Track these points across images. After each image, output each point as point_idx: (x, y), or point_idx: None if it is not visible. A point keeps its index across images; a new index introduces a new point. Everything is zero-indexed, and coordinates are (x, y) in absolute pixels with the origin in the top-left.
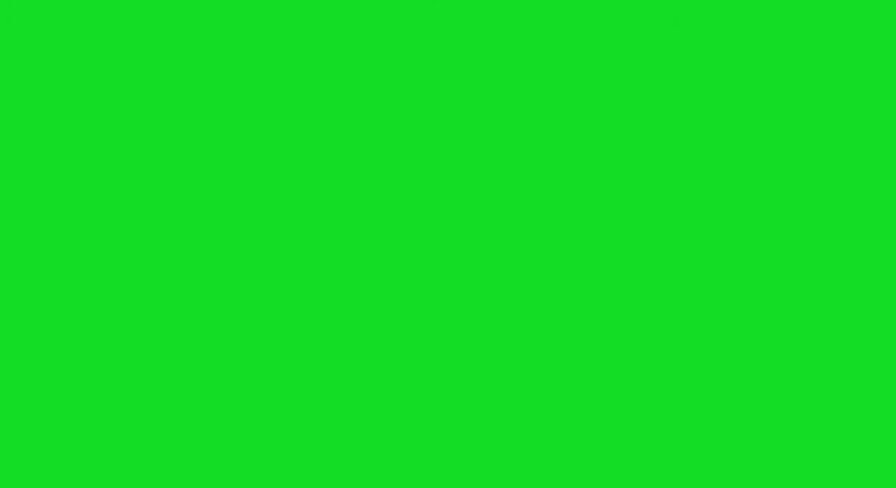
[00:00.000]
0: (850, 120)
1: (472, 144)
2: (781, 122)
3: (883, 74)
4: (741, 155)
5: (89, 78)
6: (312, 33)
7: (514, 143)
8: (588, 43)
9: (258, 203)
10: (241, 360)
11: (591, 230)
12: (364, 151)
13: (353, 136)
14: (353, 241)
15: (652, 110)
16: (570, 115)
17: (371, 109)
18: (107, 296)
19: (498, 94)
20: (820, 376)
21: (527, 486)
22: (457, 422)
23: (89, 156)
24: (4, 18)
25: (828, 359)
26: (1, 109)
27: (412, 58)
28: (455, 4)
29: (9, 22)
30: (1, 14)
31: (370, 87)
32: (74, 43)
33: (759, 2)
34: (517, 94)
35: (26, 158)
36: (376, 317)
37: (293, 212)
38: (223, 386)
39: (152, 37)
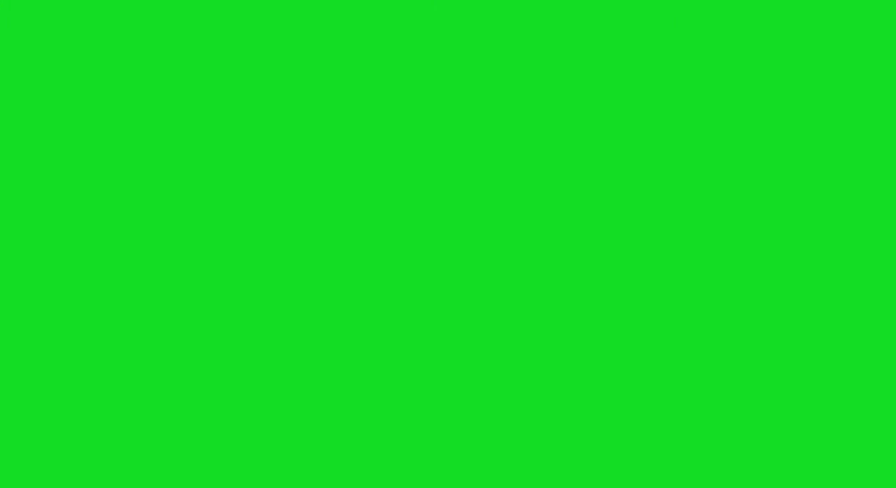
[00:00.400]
0: (851, 120)
1: (472, 144)
2: (781, 122)
3: (883, 74)
4: (741, 155)
5: (89, 78)
6: (312, 33)
7: (514, 144)
8: (588, 43)
9: (258, 203)
10: (242, 360)
11: (591, 230)
12: (364, 151)
13: (354, 136)
14: (354, 241)
15: (652, 110)
16: (570, 115)
17: (371, 109)
18: (107, 296)
19: (498, 94)
20: (820, 376)
21: (527, 486)
22: (457, 422)
23: (89, 157)
24: (4, 18)
25: (828, 359)
26: (1, 109)
27: (412, 58)
28: (455, 4)
29: (9, 22)
30: (1, 14)
31: (370, 87)
32: (74, 43)
33: (760, 2)
34: (517, 94)
35: (26, 158)
36: (376, 317)
37: (293, 212)
38: (223, 387)
39: (152, 37)
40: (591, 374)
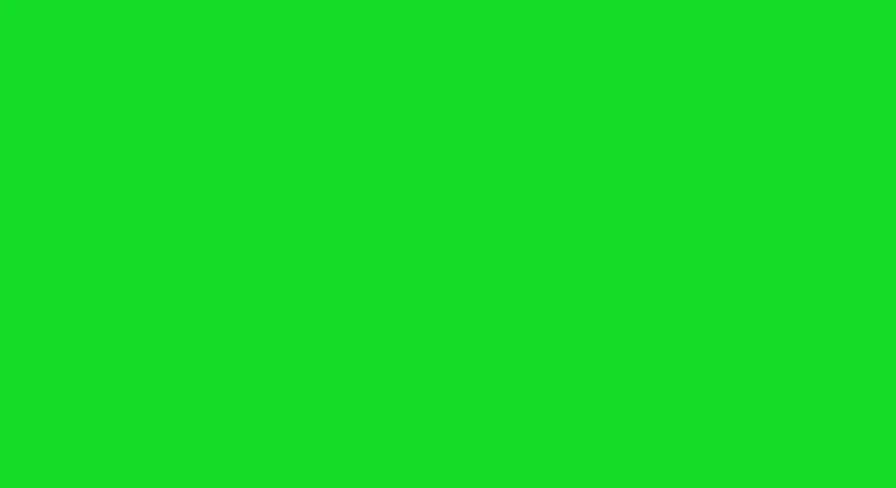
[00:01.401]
0: (851, 120)
1: (472, 144)
2: (781, 122)
3: (883, 74)
4: (741, 155)
5: (89, 78)
6: (312, 33)
7: (514, 143)
8: (588, 43)
9: (258, 203)
10: (242, 360)
11: (591, 230)
12: (364, 151)
13: (354, 136)
14: (354, 241)
15: (652, 110)
16: (570, 115)
17: (371, 109)
18: (107, 296)
19: (498, 94)
20: (820, 376)
21: (527, 486)
22: (457, 422)
23: (89, 157)
24: (4, 18)
25: (828, 359)
26: (1, 109)
27: (412, 58)
28: (455, 4)
29: (9, 22)
30: (1, 14)
31: (370, 87)
32: (74, 43)
33: (760, 1)
34: (517, 94)
35: (26, 158)
36: (376, 317)
37: (293, 213)
38: (223, 387)
39: (152, 37)
40: (592, 374)
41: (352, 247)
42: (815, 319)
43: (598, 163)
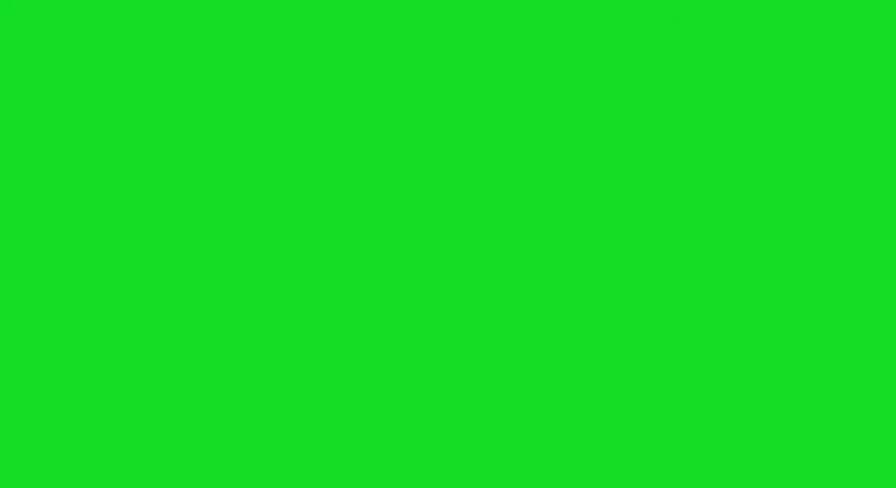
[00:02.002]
0: (851, 120)
1: (472, 144)
2: (781, 122)
3: (883, 74)
4: (741, 155)
5: (89, 78)
6: (313, 33)
7: (514, 143)
8: (588, 43)
9: (258, 203)
10: (242, 360)
11: (591, 230)
12: (364, 151)
13: (354, 136)
14: (354, 241)
15: (652, 110)
16: (570, 115)
17: (371, 109)
18: (107, 296)
19: (498, 94)
20: (820, 376)
21: (527, 486)
22: (457, 422)
23: (89, 157)
24: (4, 18)
25: (828, 359)
26: (1, 109)
27: (412, 58)
28: (455, 4)
29: (9, 22)
30: (1, 14)
31: (370, 87)
32: (75, 43)
33: (760, 1)
34: (517, 94)
35: (26, 158)
36: (376, 317)
37: (293, 213)
38: (223, 387)
39: (152, 37)
40: (592, 374)
41: (351, 246)
42: (815, 319)
43: (598, 164)
